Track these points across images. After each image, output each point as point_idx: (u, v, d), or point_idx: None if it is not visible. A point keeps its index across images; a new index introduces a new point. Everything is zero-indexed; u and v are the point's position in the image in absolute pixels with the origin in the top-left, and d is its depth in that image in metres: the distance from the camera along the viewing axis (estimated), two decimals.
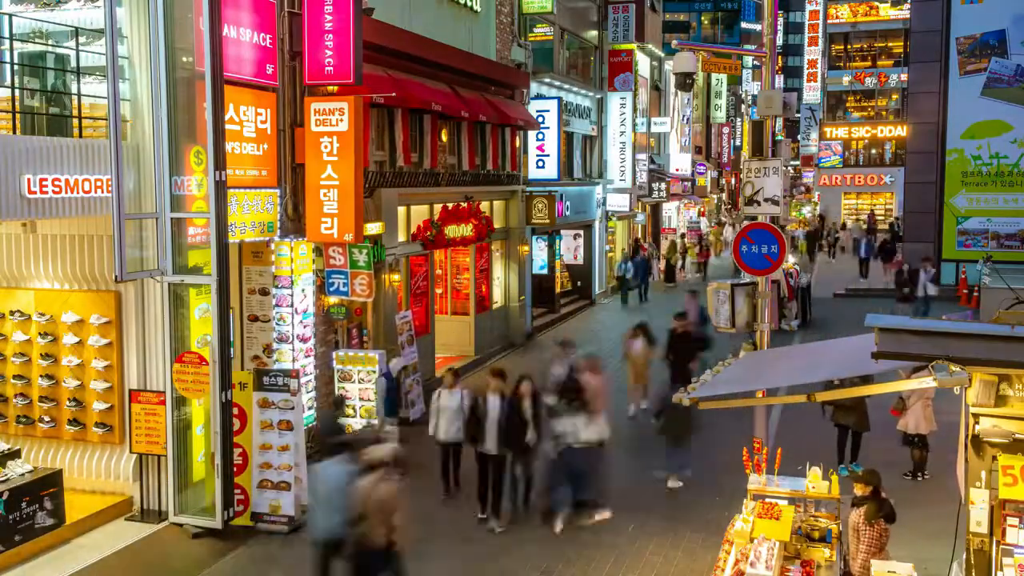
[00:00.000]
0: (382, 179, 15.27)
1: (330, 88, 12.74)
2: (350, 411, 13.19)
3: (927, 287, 22.56)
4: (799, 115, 55.09)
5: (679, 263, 34.41)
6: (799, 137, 61.26)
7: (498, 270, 21.38)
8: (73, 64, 10.39)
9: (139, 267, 10.30)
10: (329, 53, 12.39)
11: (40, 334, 11.36)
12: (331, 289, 13.34)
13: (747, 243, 10.72)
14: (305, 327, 12.83)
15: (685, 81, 12.81)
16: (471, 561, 9.92)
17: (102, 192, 9.84)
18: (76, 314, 11.17)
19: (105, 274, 10.91)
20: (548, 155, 23.80)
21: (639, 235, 35.91)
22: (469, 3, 18.96)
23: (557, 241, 25.74)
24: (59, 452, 11.49)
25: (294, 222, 12.86)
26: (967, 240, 29.33)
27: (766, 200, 11.35)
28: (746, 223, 11.29)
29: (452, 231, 17.35)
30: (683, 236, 40.95)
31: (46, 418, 11.44)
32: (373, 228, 14.09)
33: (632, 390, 15.82)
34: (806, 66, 57.86)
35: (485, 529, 10.74)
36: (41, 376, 11.42)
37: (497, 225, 20.34)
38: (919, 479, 12.00)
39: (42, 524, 9.98)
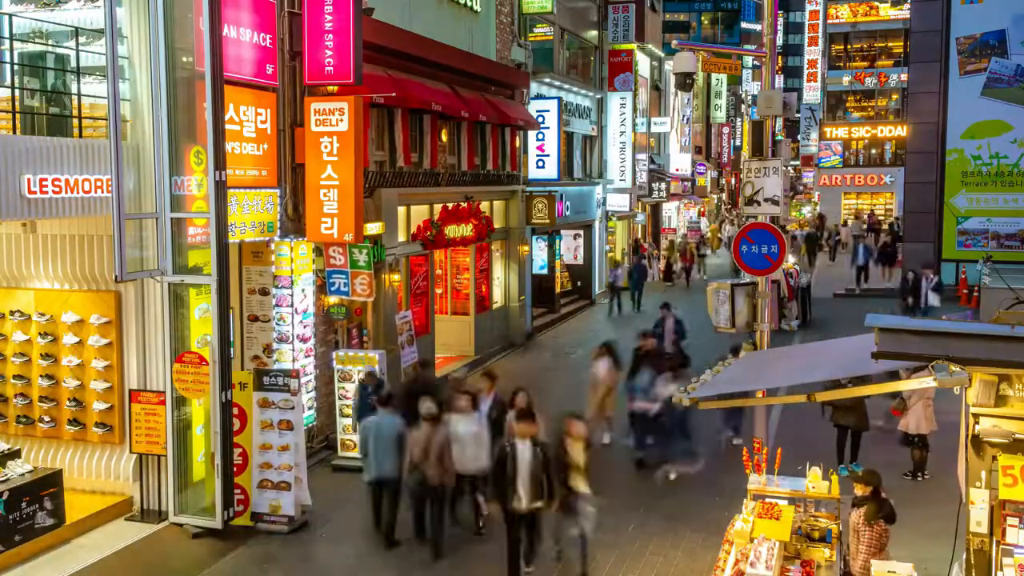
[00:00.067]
0: (382, 179, 15.27)
1: (330, 88, 12.74)
2: (347, 411, 13.18)
3: (928, 296, 21.92)
4: (799, 115, 55.09)
5: (678, 264, 34.38)
6: (799, 137, 61.24)
7: (498, 270, 21.38)
8: (73, 64, 10.38)
9: (139, 267, 10.29)
10: (329, 53, 12.39)
11: (40, 334, 11.36)
12: (331, 289, 13.34)
13: (747, 243, 10.72)
14: (305, 327, 12.83)
15: (685, 81, 12.81)
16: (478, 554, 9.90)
17: (102, 192, 9.84)
18: (76, 314, 11.17)
19: (105, 274, 10.91)
20: (548, 155, 23.80)
21: (639, 235, 35.92)
22: (469, 3, 18.95)
23: (557, 241, 25.74)
24: (59, 452, 11.48)
25: (294, 222, 12.86)
26: (967, 240, 29.31)
27: (766, 200, 11.35)
28: (748, 222, 11.30)
29: (452, 231, 17.35)
30: (685, 236, 40.90)
31: (46, 418, 11.44)
32: (373, 228, 14.10)
33: (594, 420, 12.99)
34: (806, 66, 57.84)
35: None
36: (41, 376, 11.42)
37: (497, 225, 20.34)
38: (919, 479, 12.00)
39: (42, 524, 9.98)
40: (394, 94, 14.35)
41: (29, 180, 9.00)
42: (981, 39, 28.83)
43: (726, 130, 54.44)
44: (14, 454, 10.35)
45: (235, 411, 10.69)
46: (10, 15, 10.76)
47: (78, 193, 9.60)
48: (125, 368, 11.11)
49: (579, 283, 28.72)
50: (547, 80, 24.41)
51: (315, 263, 13.12)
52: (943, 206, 29.54)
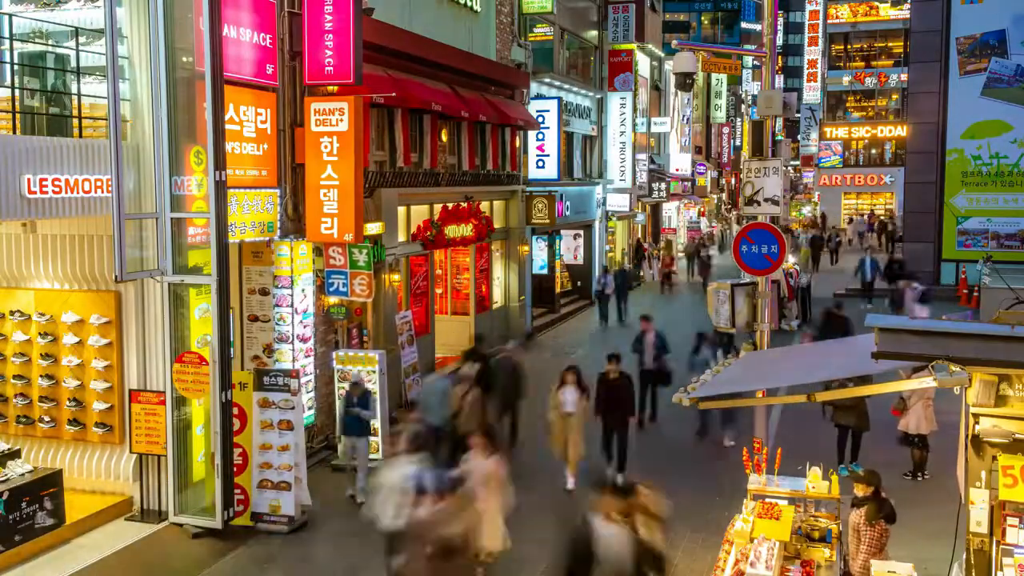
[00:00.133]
0: (382, 179, 15.27)
1: (330, 88, 12.74)
2: None
3: (914, 309, 19.76)
4: (799, 115, 55.15)
5: (676, 265, 34.34)
6: (799, 137, 61.28)
7: (498, 270, 21.38)
8: (73, 64, 10.38)
9: (139, 267, 10.29)
10: (329, 53, 12.39)
11: (40, 334, 11.36)
12: (331, 289, 13.34)
13: (747, 243, 10.72)
14: (305, 327, 12.82)
15: (685, 81, 12.81)
16: None
17: (102, 192, 9.84)
18: (76, 314, 11.17)
19: (105, 274, 10.91)
20: (548, 155, 23.80)
21: (639, 235, 35.91)
22: (469, 3, 18.95)
23: (557, 241, 25.74)
24: (59, 452, 11.48)
25: (294, 222, 12.86)
26: (967, 240, 29.33)
27: (766, 200, 11.36)
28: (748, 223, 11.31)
29: (452, 231, 17.36)
30: (693, 239, 40.68)
31: (46, 418, 11.44)
32: (373, 228, 14.10)
33: (561, 456, 11.87)
34: (806, 66, 57.90)
35: None
36: (41, 376, 11.42)
37: (497, 225, 20.35)
38: (919, 479, 12.00)
39: (42, 524, 9.98)
40: (394, 94, 14.35)
41: (29, 180, 9.00)
42: (981, 39, 28.85)
43: (726, 130, 54.45)
44: (14, 454, 10.35)
45: (235, 411, 10.69)
46: (10, 15, 10.76)
47: (78, 193, 9.59)
48: (125, 368, 11.11)
49: (579, 283, 28.72)
50: (547, 80, 24.41)
51: (315, 263, 13.12)
52: (943, 206, 29.56)
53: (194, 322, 10.65)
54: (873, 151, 51.50)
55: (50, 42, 10.94)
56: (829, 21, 51.50)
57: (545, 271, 25.60)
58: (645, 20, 32.22)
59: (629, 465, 12.19)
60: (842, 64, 51.13)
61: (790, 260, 22.26)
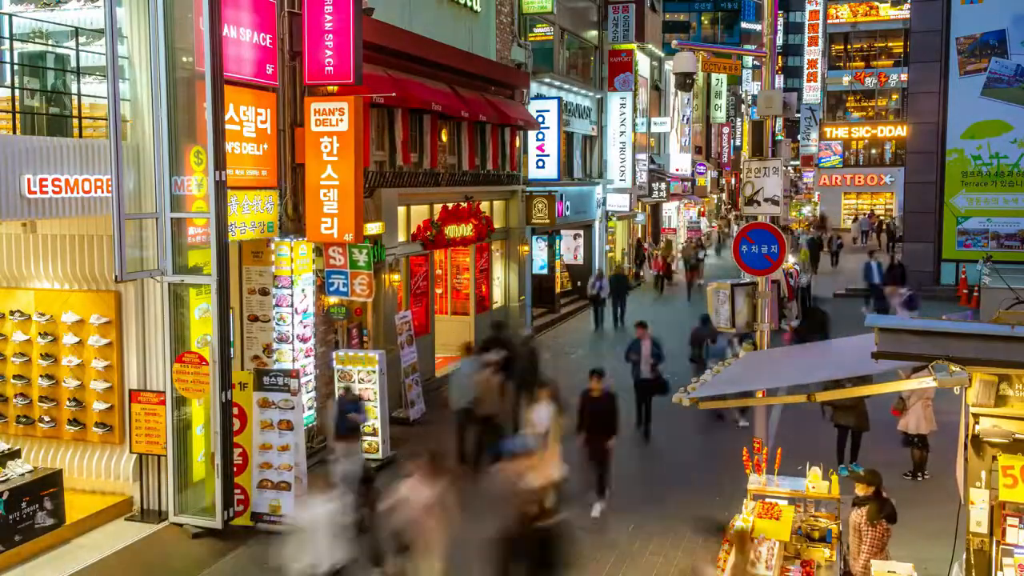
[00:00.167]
0: (382, 179, 15.27)
1: (330, 88, 12.74)
2: None
3: (901, 315, 18.45)
4: (799, 115, 55.19)
5: (675, 264, 34.32)
6: (799, 137, 61.31)
7: (498, 270, 21.38)
8: (73, 64, 10.38)
9: (139, 267, 10.30)
10: (329, 53, 12.39)
11: (40, 334, 11.36)
12: (331, 289, 13.34)
13: (747, 243, 10.72)
14: (305, 327, 12.82)
15: (685, 81, 12.82)
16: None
17: (102, 192, 9.84)
18: (76, 314, 11.17)
19: (105, 274, 10.91)
20: (548, 155, 23.80)
21: (639, 235, 35.89)
22: (469, 3, 18.95)
23: (557, 241, 25.74)
24: (59, 452, 11.48)
25: (294, 222, 12.86)
26: (967, 240, 29.32)
27: (766, 200, 11.36)
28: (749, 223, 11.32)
29: (452, 231, 17.35)
30: (690, 240, 40.65)
31: (46, 418, 11.44)
32: (373, 228, 14.10)
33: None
34: (806, 66, 57.93)
35: None
36: (41, 376, 11.42)
37: (497, 225, 20.34)
38: (919, 479, 12.00)
39: (42, 524, 9.98)
40: (394, 94, 14.35)
41: (29, 180, 9.00)
42: (981, 39, 28.84)
43: (726, 130, 54.46)
44: (14, 454, 10.35)
45: (235, 411, 10.69)
46: (10, 15, 10.77)
47: (78, 193, 9.60)
48: (125, 368, 11.11)
49: (579, 283, 28.70)
50: (547, 80, 24.41)
51: (315, 263, 13.12)
52: (943, 206, 29.56)
53: (194, 322, 10.65)
54: (873, 151, 51.52)
55: (50, 42, 10.94)
56: (829, 21, 51.53)
57: (545, 271, 25.60)
58: (645, 20, 32.21)
59: (622, 478, 12.12)
60: (842, 64, 51.15)
61: (790, 260, 22.30)
